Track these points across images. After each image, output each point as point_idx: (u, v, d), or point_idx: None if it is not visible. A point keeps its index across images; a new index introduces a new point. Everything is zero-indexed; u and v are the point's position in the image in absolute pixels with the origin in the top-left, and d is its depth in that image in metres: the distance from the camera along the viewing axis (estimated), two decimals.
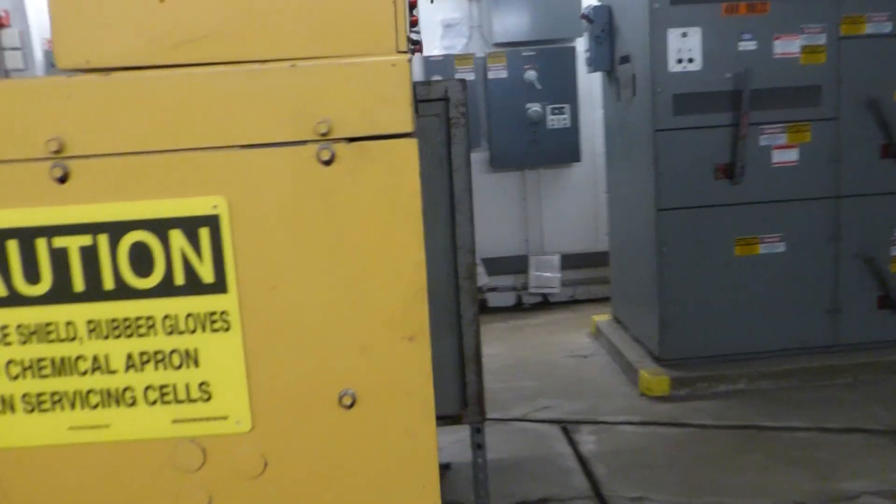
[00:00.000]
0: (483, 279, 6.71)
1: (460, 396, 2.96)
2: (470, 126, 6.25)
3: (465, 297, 2.90)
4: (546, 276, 6.74)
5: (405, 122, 1.01)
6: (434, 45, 6.47)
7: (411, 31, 1.73)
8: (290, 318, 1.06)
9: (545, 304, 6.82)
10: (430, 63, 6.27)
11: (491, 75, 6.33)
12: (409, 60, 1.02)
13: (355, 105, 1.00)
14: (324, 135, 1.01)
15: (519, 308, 6.82)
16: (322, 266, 1.04)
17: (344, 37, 1.39)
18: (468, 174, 2.81)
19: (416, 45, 2.23)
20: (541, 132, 6.39)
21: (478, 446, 3.05)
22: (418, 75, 5.32)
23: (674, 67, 4.46)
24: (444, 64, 6.30)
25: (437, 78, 6.25)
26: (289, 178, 1.02)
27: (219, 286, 1.06)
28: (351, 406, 1.07)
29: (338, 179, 1.02)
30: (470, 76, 6.35)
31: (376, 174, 1.02)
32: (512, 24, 6.33)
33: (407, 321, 1.05)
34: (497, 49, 6.39)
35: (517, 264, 6.76)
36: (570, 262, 6.73)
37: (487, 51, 6.39)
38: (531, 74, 6.28)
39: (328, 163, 1.02)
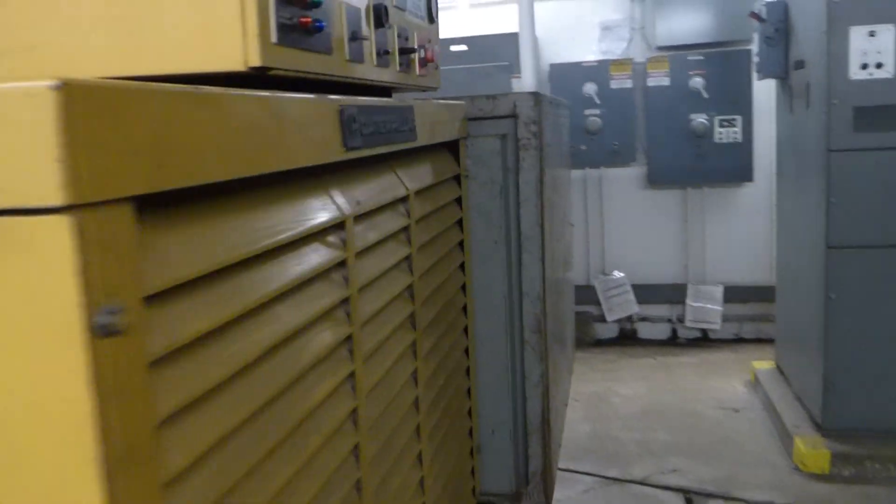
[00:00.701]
0: (633, 308, 6.06)
1: (521, 472, 2.48)
2: (631, 144, 5.58)
3: (532, 354, 2.41)
4: (706, 308, 5.95)
5: (51, 189, 0.61)
6: (590, 50, 5.90)
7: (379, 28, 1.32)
8: None
9: (704, 340, 6.03)
10: (581, 69, 5.72)
11: (651, 83, 5.66)
12: (61, 91, 0.62)
13: None
14: None
15: (673, 342, 6.09)
16: None
17: (189, 46, 1.01)
18: (539, 207, 2.32)
19: (423, 53, 1.79)
20: (706, 146, 5.63)
21: None
22: (530, 85, 4.78)
23: (856, 74, 3.64)
24: (597, 70, 5.72)
25: (589, 86, 5.71)
26: None
27: None
28: None
29: None
30: (627, 83, 5.73)
31: (14, 269, 0.63)
32: (678, 25, 5.63)
33: None
34: (659, 53, 5.71)
35: (673, 293, 6.03)
36: (736, 294, 5.90)
37: (648, 56, 5.73)
38: (697, 82, 5.55)
39: None
